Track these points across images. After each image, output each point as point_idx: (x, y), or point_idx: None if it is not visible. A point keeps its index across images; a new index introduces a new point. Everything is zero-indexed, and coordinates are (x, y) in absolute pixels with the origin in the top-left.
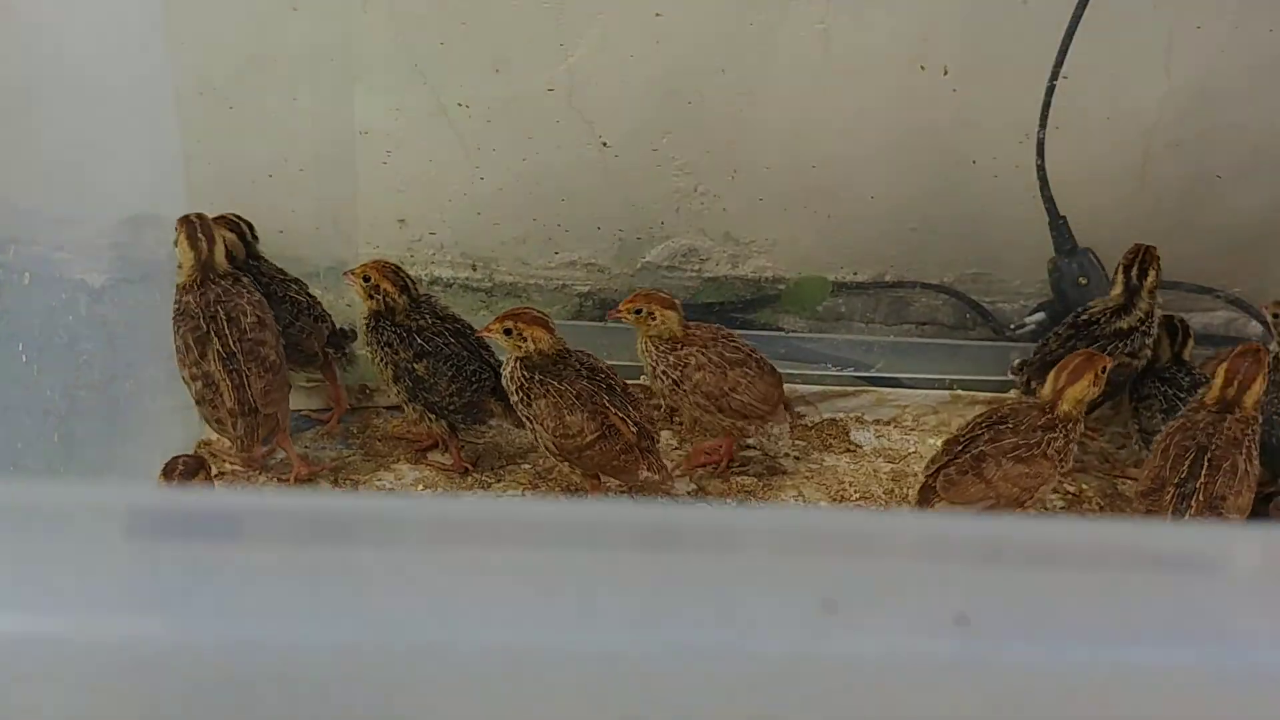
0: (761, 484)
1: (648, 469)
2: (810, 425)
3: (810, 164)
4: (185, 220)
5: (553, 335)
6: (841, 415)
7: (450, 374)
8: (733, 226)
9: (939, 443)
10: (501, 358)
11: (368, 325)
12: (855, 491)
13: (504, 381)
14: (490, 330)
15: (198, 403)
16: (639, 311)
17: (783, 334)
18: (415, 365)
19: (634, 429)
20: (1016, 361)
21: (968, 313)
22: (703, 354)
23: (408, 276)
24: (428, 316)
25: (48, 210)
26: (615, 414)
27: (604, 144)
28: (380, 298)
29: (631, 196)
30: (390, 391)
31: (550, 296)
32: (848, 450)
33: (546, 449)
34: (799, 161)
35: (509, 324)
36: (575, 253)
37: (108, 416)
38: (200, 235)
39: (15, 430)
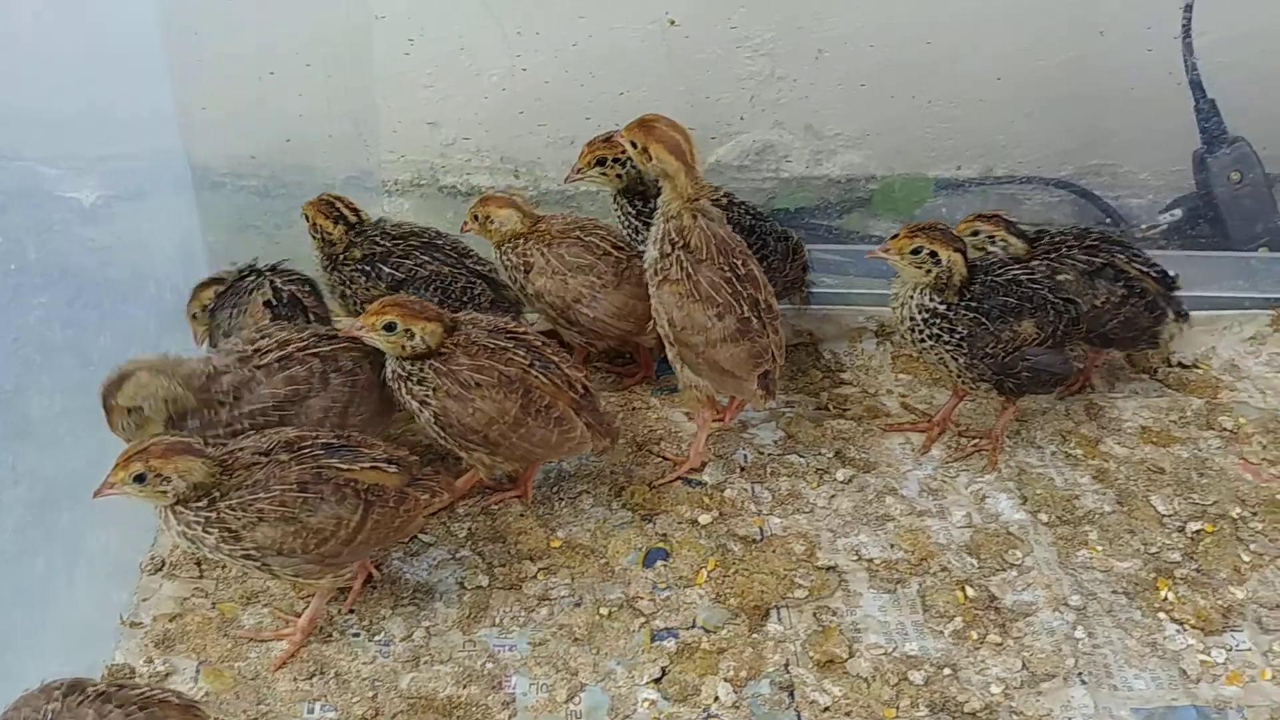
0: (861, 428)
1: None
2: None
3: (906, 39)
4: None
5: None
6: None
7: (439, 297)
8: (815, 117)
9: None
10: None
11: (324, 270)
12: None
13: None
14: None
15: None
16: (476, 218)
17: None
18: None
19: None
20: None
21: (1090, 211)
22: (544, 254)
23: (346, 205)
24: (384, 241)
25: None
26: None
27: (672, 22)
28: (319, 236)
29: (697, 85)
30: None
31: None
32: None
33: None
34: (893, 38)
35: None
36: None
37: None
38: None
39: None
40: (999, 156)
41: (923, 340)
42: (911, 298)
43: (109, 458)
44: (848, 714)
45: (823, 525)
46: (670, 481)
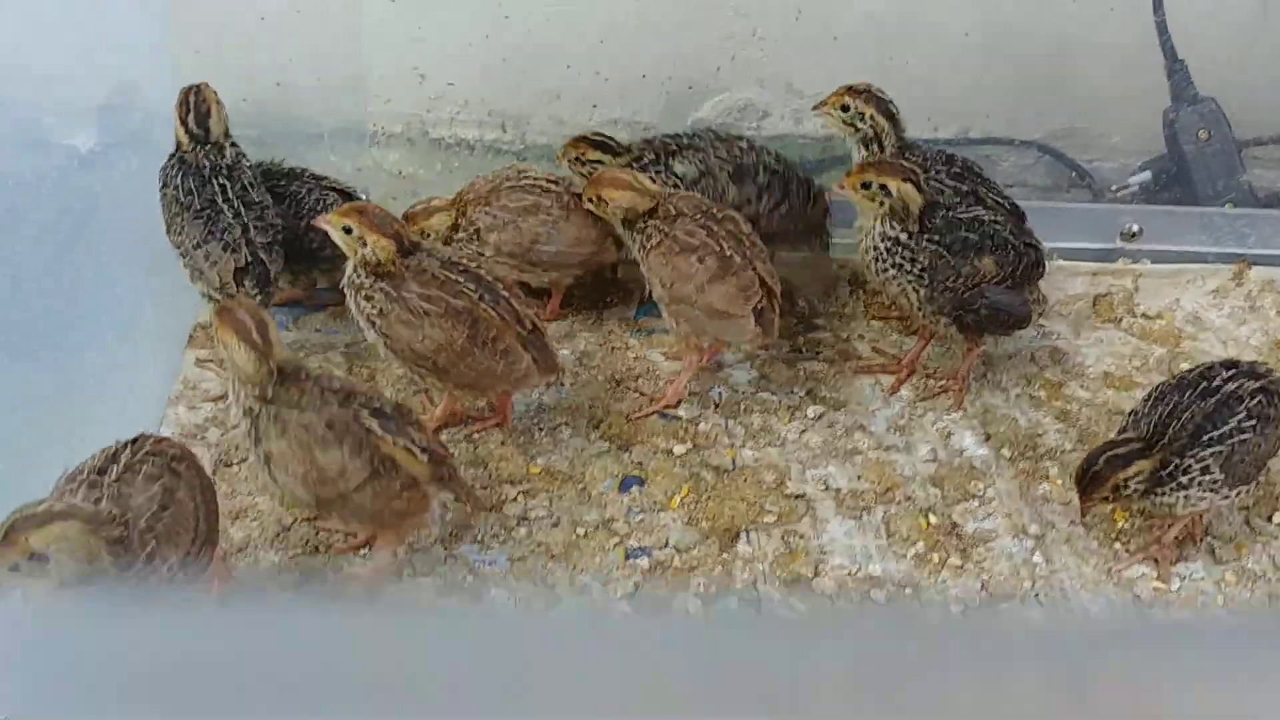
0: (832, 370)
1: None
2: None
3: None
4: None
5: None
6: None
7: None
8: (796, 76)
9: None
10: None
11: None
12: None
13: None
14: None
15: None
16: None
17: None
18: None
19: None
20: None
21: (1064, 172)
22: (487, 212)
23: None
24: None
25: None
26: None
27: None
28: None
29: (679, 42)
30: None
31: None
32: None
33: None
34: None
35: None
36: (616, 109)
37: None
38: None
39: None
40: (974, 118)
41: (885, 270)
42: (874, 228)
43: None
44: None
45: (793, 457)
46: (647, 415)
